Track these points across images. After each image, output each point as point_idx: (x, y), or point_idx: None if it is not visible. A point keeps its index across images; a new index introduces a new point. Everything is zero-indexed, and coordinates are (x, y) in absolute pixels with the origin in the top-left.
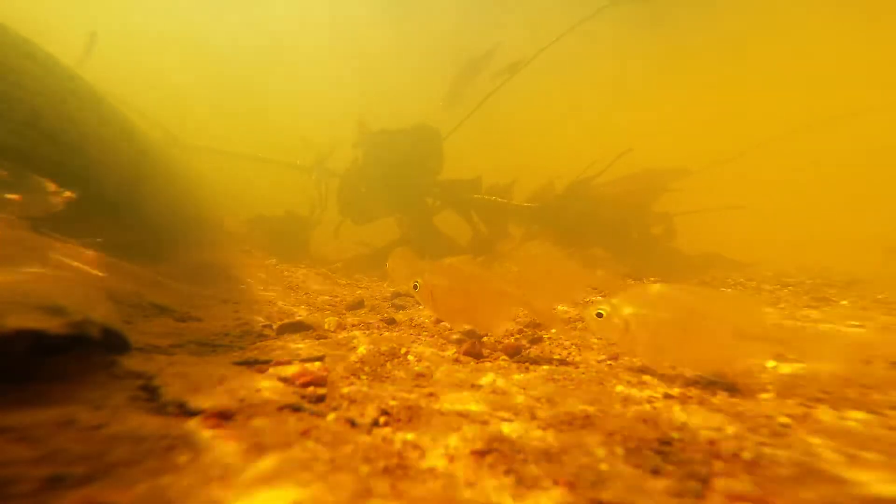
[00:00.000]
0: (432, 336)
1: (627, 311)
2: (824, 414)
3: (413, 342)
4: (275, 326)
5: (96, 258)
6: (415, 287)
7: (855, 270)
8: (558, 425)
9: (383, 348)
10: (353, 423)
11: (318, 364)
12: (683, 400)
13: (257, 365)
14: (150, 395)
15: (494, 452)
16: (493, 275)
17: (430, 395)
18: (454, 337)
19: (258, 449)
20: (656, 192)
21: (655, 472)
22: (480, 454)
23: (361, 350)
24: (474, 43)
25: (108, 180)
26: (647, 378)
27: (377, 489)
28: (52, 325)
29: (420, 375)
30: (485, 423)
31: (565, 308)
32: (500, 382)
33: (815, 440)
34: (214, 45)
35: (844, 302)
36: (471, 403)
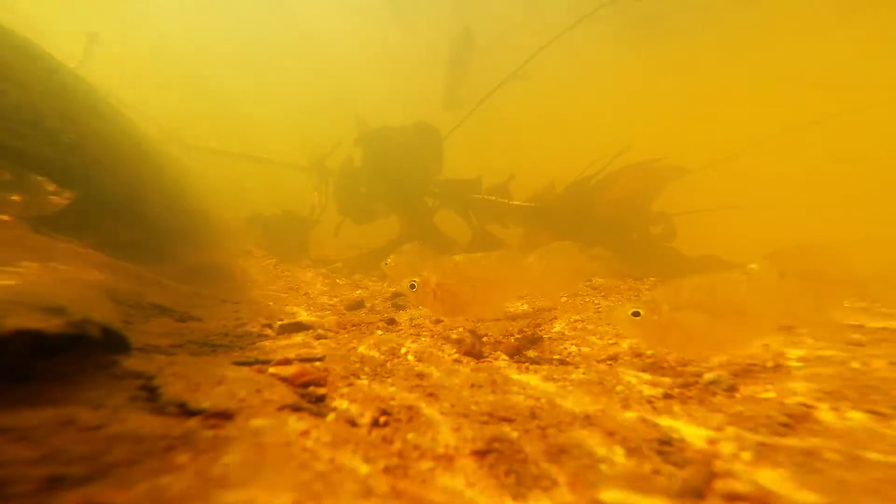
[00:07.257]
0: (432, 336)
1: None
2: (825, 414)
3: (413, 342)
4: (275, 326)
5: (96, 258)
6: (411, 287)
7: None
8: (559, 425)
9: (383, 348)
10: (353, 423)
11: (318, 364)
12: (683, 400)
13: (257, 365)
14: (150, 395)
15: (494, 452)
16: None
17: (430, 395)
18: (454, 337)
19: (258, 449)
20: (655, 191)
21: (655, 471)
22: (480, 454)
23: (361, 350)
24: (474, 42)
25: (108, 180)
26: (647, 378)
27: (377, 489)
28: (51, 324)
29: (420, 375)
30: (485, 423)
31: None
32: (501, 382)
33: (816, 440)
34: (213, 46)
35: (846, 304)
36: (470, 403)
